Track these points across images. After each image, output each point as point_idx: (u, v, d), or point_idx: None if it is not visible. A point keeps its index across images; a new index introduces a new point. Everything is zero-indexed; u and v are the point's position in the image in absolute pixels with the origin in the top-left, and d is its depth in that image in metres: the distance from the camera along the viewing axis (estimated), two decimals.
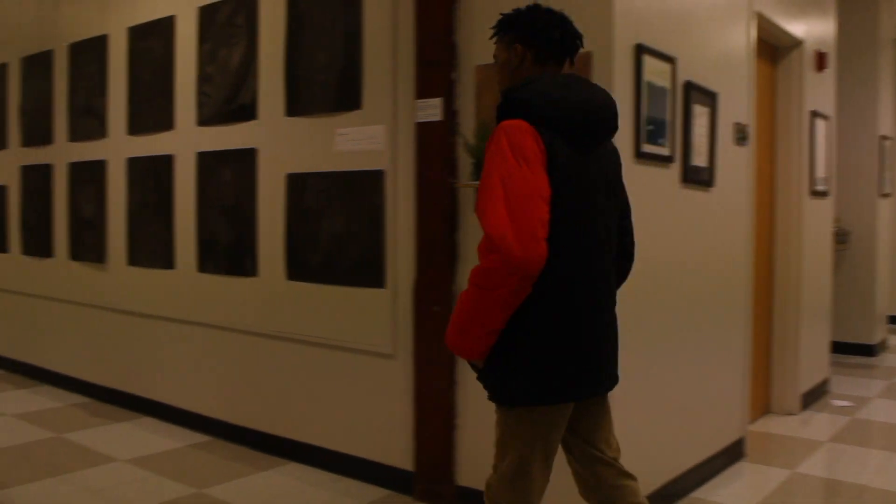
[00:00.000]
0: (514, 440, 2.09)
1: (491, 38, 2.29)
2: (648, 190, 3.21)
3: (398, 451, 3.68)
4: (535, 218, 1.92)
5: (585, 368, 2.08)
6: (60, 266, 5.67)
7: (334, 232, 3.86)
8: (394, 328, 3.66)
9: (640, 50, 3.09)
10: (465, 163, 3.32)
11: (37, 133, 5.87)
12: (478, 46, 3.30)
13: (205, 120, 4.49)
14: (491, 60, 3.15)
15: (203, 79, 4.50)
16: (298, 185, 4.00)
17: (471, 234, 3.35)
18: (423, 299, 3.48)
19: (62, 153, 5.62)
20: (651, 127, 3.18)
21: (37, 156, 5.88)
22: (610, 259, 2.17)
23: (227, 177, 4.36)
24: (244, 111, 4.26)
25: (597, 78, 2.94)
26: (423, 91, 3.43)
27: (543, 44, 2.15)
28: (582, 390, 2.10)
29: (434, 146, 3.40)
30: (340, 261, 3.84)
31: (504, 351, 2.04)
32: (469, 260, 3.34)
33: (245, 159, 4.25)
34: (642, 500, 2.25)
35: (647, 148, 3.16)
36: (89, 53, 5.34)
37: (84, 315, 5.51)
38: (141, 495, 3.67)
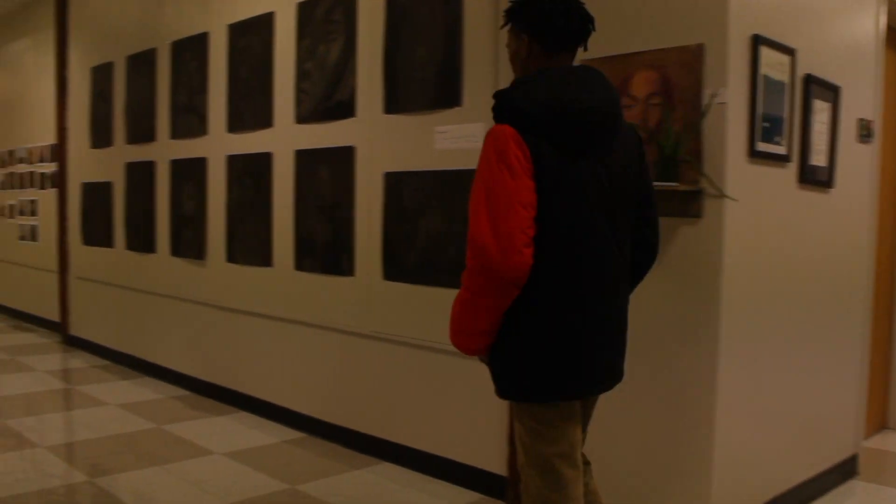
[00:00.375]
0: (527, 437, 2.17)
1: (501, 27, 2.28)
2: (762, 191, 3.11)
3: (492, 455, 3.67)
4: (514, 226, 1.95)
5: (589, 365, 2.13)
6: (162, 262, 5.89)
7: (432, 232, 3.88)
8: None
9: (757, 41, 2.98)
10: None
11: (140, 130, 6.11)
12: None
13: (303, 117, 4.57)
14: (603, 53, 3.14)
15: (301, 75, 4.59)
16: (396, 183, 4.03)
17: None
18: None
19: (164, 150, 5.83)
20: (767, 124, 3.07)
21: (140, 153, 6.12)
22: (616, 257, 2.17)
23: (325, 175, 4.43)
24: (342, 108, 4.32)
25: (710, 71, 2.86)
26: None
27: (550, 33, 2.13)
28: (589, 387, 2.16)
29: None
30: (438, 261, 3.86)
31: (509, 349, 2.11)
32: None
33: (343, 157, 4.31)
34: (594, 485, 2.35)
35: (762, 146, 3.05)
36: (190, 51, 5.52)
37: (185, 310, 5.71)
38: (236, 489, 3.77)
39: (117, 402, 5.31)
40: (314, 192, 4.51)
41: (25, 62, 8.58)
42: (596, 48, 3.17)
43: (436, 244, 3.87)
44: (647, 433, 3.08)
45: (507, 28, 2.23)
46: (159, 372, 6.01)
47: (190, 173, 5.54)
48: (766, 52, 3.03)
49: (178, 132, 5.69)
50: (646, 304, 3.03)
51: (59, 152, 7.44)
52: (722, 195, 2.86)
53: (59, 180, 7.45)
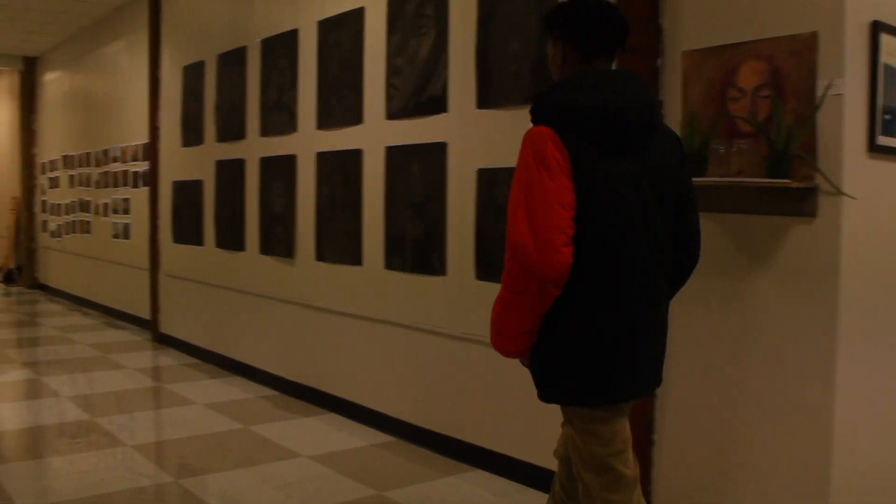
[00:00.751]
0: (580, 439, 2.25)
1: (542, 33, 2.36)
2: (884, 187, 2.99)
3: None
4: (552, 226, 2.04)
5: (629, 367, 2.20)
6: (251, 260, 6.04)
7: None
8: None
9: (877, 28, 2.87)
10: None
11: (230, 128, 6.28)
12: (685, 30, 3.20)
13: (393, 113, 4.62)
14: (708, 43, 3.07)
15: (392, 71, 4.63)
16: (490, 180, 4.04)
17: None
18: None
19: (254, 148, 5.98)
20: (888, 116, 2.95)
21: (230, 151, 6.29)
22: (655, 259, 2.23)
23: (416, 172, 4.46)
24: (434, 104, 4.35)
25: (824, 61, 2.77)
26: None
27: (582, 39, 2.24)
28: (632, 389, 2.23)
29: None
30: None
31: (550, 351, 2.18)
32: None
33: (434, 154, 4.34)
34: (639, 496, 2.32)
35: (884, 140, 2.93)
36: (280, 48, 5.64)
37: (273, 309, 5.84)
38: (322, 493, 3.84)
39: (205, 402, 5.47)
40: (405, 190, 4.55)
41: (120, 63, 8.93)
42: (700, 38, 3.11)
43: None
44: (760, 437, 3.00)
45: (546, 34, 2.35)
46: (247, 371, 6.16)
47: (279, 171, 5.66)
48: (886, 40, 2.91)
49: (267, 130, 5.83)
50: (758, 306, 2.95)
51: (150, 151, 7.72)
52: (839, 192, 2.76)
53: (150, 179, 7.73)
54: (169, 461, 4.36)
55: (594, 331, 2.14)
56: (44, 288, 11.92)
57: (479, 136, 4.11)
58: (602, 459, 2.21)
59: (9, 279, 12.82)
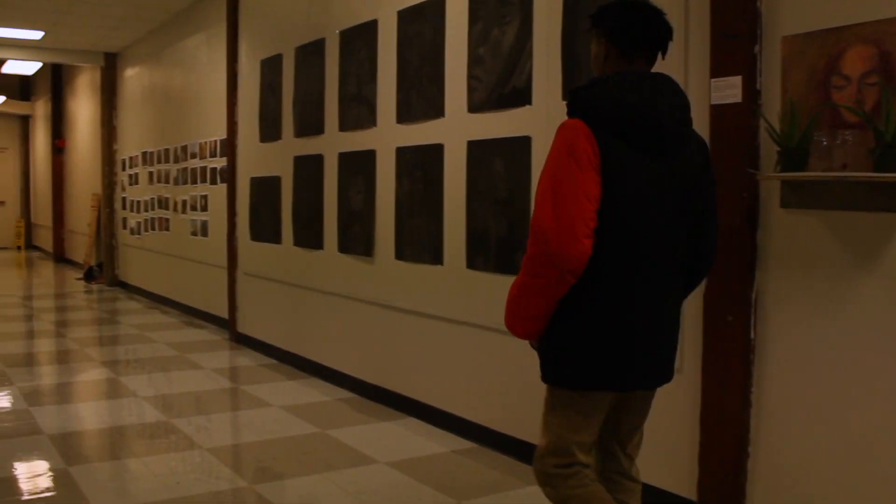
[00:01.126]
0: (554, 419, 2.47)
1: (586, 30, 2.57)
2: None
3: (679, 477, 3.58)
4: (576, 215, 2.20)
5: (630, 361, 2.38)
6: (329, 259, 6.14)
7: None
8: (680, 339, 3.56)
9: None
10: (768, 150, 3.16)
11: (309, 123, 6.40)
12: (785, 14, 3.12)
13: (476, 106, 4.64)
14: (810, 27, 3.00)
15: (474, 62, 4.65)
16: None
17: (775, 233, 3.17)
18: (716, 306, 3.36)
19: (332, 143, 6.08)
20: None
21: (308, 146, 6.41)
22: (671, 260, 2.40)
23: (499, 167, 4.47)
24: (517, 96, 4.35)
25: None
26: (719, 68, 3.31)
27: (626, 39, 2.40)
28: (625, 382, 2.42)
29: (732, 131, 3.26)
30: None
31: (555, 335, 2.39)
32: (772, 263, 3.17)
33: (518, 148, 4.34)
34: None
35: None
36: (359, 40, 5.72)
37: (352, 309, 5.93)
38: (399, 502, 3.89)
39: (282, 404, 5.58)
40: (487, 186, 4.56)
41: (199, 58, 9.18)
42: (801, 22, 3.04)
43: None
44: (865, 450, 2.92)
45: (590, 31, 2.52)
46: (325, 373, 6.27)
47: (358, 166, 5.74)
48: None
49: (346, 124, 5.92)
50: (864, 310, 2.87)
51: (228, 147, 7.92)
52: None
53: (228, 175, 7.93)
54: (245, 465, 4.47)
55: (604, 321, 2.33)
56: (123, 285, 12.35)
57: None
58: (568, 446, 2.43)
59: (89, 276, 13.31)
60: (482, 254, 4.61)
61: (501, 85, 4.47)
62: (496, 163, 4.51)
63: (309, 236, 6.44)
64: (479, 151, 4.63)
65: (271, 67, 7.05)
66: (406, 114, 5.26)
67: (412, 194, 5.20)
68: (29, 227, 20.38)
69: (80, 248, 14.98)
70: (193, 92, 9.37)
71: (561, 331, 2.38)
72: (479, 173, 4.63)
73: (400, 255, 5.34)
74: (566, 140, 2.26)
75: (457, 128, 4.80)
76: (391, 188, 5.40)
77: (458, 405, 4.88)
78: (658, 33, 2.42)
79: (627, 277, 2.32)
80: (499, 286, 4.50)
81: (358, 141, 5.78)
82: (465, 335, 4.80)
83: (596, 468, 2.62)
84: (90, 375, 6.52)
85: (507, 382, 4.51)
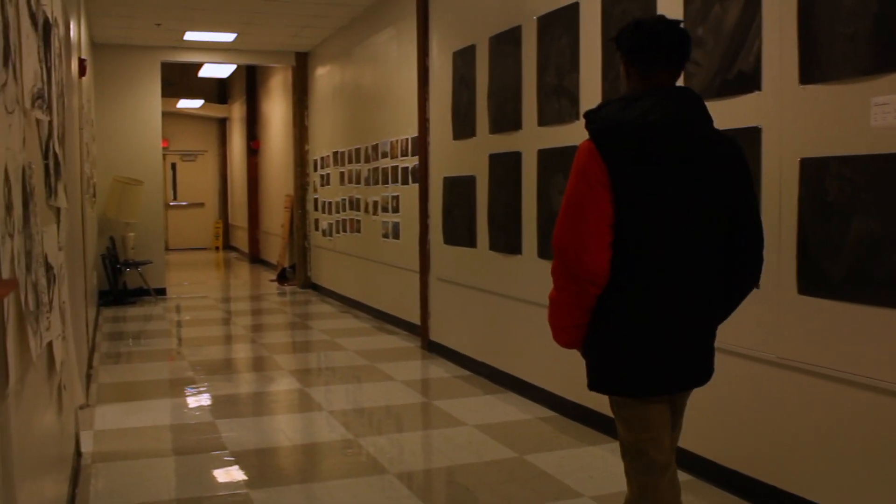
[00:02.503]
0: (619, 424, 2.73)
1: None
2: None
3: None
4: (588, 232, 2.49)
5: (660, 367, 2.59)
6: (528, 264, 5.88)
7: (866, 235, 3.36)
8: None
9: None
10: None
11: (505, 118, 6.17)
12: None
13: None
14: None
15: (693, 43, 4.25)
16: (817, 172, 3.58)
17: None
18: None
19: (531, 139, 5.82)
20: None
21: (505, 143, 6.18)
22: (695, 267, 2.59)
23: None
24: (744, 81, 3.94)
25: None
26: None
27: (642, 58, 2.60)
28: (665, 385, 2.63)
29: None
30: (875, 274, 3.33)
31: (595, 345, 2.66)
32: None
33: (745, 140, 3.90)
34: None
35: None
36: (559, 25, 5.43)
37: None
38: None
39: (476, 422, 5.38)
40: None
41: (389, 53, 9.18)
42: None
43: (872, 251, 3.35)
44: None
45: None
46: (524, 388, 6.02)
47: (560, 164, 5.46)
48: None
49: (546, 118, 5.65)
50: None
51: (420, 145, 7.83)
52: None
53: (420, 175, 7.84)
54: (436, 495, 4.30)
55: (630, 328, 2.57)
56: (316, 287, 12.63)
57: (804, 118, 3.65)
58: (638, 444, 2.67)
59: (282, 278, 13.73)
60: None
61: (725, 69, 4.06)
62: None
63: (506, 240, 6.20)
64: None
65: (464, 60, 6.88)
66: None
67: None
68: (226, 228, 21.42)
69: (274, 249, 15.51)
70: (384, 89, 9.38)
71: (593, 340, 2.66)
72: None
73: None
74: (578, 161, 2.55)
75: None
76: None
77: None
78: (671, 47, 2.60)
79: (646, 287, 2.55)
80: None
81: (559, 136, 5.50)
82: None
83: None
84: (278, 385, 6.58)
85: (729, 411, 4.09)
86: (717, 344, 4.17)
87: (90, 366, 7.03)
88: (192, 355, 7.85)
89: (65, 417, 3.72)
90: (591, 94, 5.12)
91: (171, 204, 21.14)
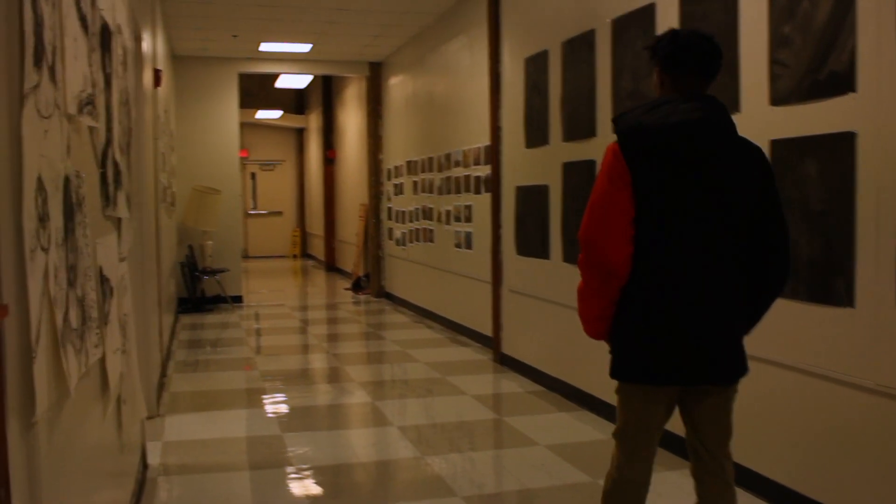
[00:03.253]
0: (619, 408, 2.87)
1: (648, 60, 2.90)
2: None
3: None
4: (610, 227, 2.64)
5: (670, 359, 2.69)
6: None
7: None
8: None
9: None
10: None
11: (578, 125, 5.92)
12: None
13: (780, 97, 3.96)
14: None
15: (778, 43, 3.97)
16: None
17: None
18: None
19: (605, 146, 5.55)
20: None
21: (578, 151, 5.93)
22: (710, 263, 2.68)
23: (811, 171, 3.77)
24: (836, 82, 3.63)
25: None
26: None
27: (675, 68, 2.74)
28: (662, 377, 2.73)
29: None
30: None
31: (613, 334, 2.80)
32: None
33: (838, 147, 3.62)
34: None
35: None
36: (635, 28, 5.18)
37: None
38: None
39: (549, 442, 5.12)
40: (797, 195, 3.84)
41: (461, 61, 8.99)
42: None
43: None
44: None
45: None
46: (599, 406, 5.75)
47: None
48: None
49: None
50: None
51: (492, 154, 7.61)
52: None
53: (492, 184, 7.62)
54: None
55: (640, 319, 2.71)
56: (389, 297, 12.49)
57: None
58: (626, 429, 2.83)
59: (357, 287, 13.63)
60: (791, 277, 3.89)
61: (815, 70, 3.75)
62: (808, 166, 3.79)
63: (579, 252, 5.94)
64: (784, 152, 3.92)
65: (536, 66, 6.65)
66: None
67: None
68: (304, 237, 21.50)
69: (349, 257, 15.45)
70: (456, 97, 9.19)
71: (615, 330, 2.79)
72: (786, 179, 3.90)
73: None
74: (605, 161, 2.71)
75: (756, 124, 4.10)
76: None
77: (762, 462, 4.19)
78: (703, 58, 2.73)
79: (658, 281, 2.68)
80: (809, 317, 3.78)
81: None
82: (764, 375, 4.09)
83: (692, 468, 2.93)
84: (347, 398, 6.42)
85: (821, 439, 3.77)
86: (804, 365, 3.91)
87: (164, 374, 6.97)
88: (265, 364, 7.76)
89: (126, 431, 3.59)
90: None
91: (251, 212, 21.33)
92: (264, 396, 6.44)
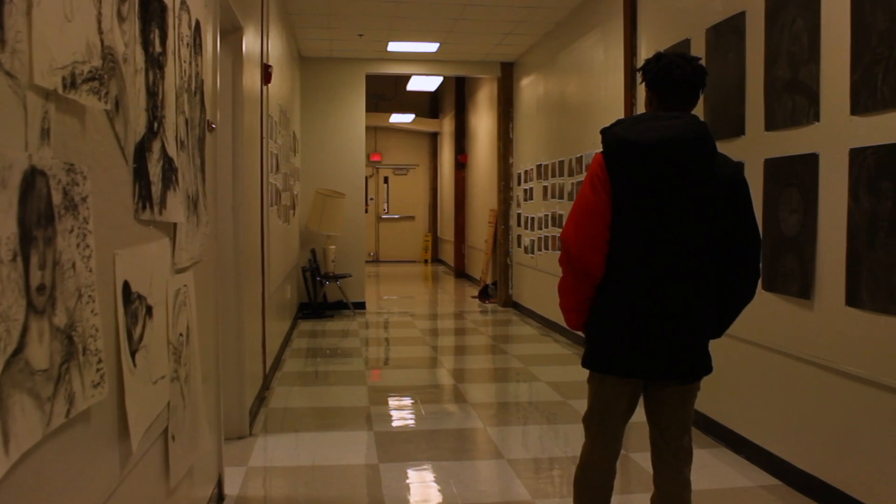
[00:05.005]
0: (588, 396, 3.10)
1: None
2: None
3: None
4: (587, 229, 2.89)
5: (634, 355, 2.90)
6: (756, 299, 4.76)
7: None
8: None
9: None
10: None
11: (724, 122, 5.09)
12: None
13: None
14: None
15: None
16: None
17: None
18: None
19: (756, 146, 4.73)
20: None
21: (725, 150, 5.05)
22: (679, 269, 2.86)
23: None
24: None
25: None
26: None
27: (660, 88, 2.99)
28: (626, 370, 2.95)
29: None
30: None
31: (586, 327, 3.05)
32: None
33: None
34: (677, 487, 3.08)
35: None
36: (793, 6, 4.33)
37: (780, 366, 4.53)
38: None
39: (696, 487, 4.29)
40: None
41: (594, 58, 8.23)
42: None
43: None
44: None
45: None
46: (741, 444, 4.90)
47: (792, 176, 4.36)
48: None
49: (775, 120, 4.55)
50: None
51: None
52: None
53: None
54: None
55: (606, 317, 2.94)
56: (517, 306, 11.79)
57: None
58: (591, 417, 3.06)
59: (484, 295, 12.98)
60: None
61: None
62: None
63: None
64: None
65: None
66: (867, 101, 3.76)
67: (874, 214, 3.70)
68: (435, 242, 21.02)
69: (478, 264, 14.83)
70: (589, 97, 8.42)
71: (589, 323, 3.02)
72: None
73: (853, 299, 3.85)
74: (590, 169, 2.95)
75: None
76: (841, 206, 3.94)
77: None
78: (685, 80, 2.95)
79: (626, 281, 2.88)
80: None
81: (792, 142, 4.38)
82: None
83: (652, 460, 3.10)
84: (456, 422, 5.77)
85: None
86: (863, 375, 3.16)
87: (266, 387, 6.49)
88: (374, 379, 7.19)
89: (175, 472, 3.03)
90: (835, 88, 3.98)
91: (384, 217, 21.01)
92: (367, 416, 5.85)
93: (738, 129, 4.91)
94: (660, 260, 2.84)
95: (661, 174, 2.82)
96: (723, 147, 5.05)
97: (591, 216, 2.86)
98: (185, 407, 3.16)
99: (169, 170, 2.92)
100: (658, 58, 3.00)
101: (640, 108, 6.54)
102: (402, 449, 5.11)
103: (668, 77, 2.94)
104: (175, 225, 3.05)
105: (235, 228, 5.21)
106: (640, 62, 6.67)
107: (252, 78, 5.90)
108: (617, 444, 3.04)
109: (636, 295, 2.86)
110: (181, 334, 3.13)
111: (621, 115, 6.96)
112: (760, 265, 3.00)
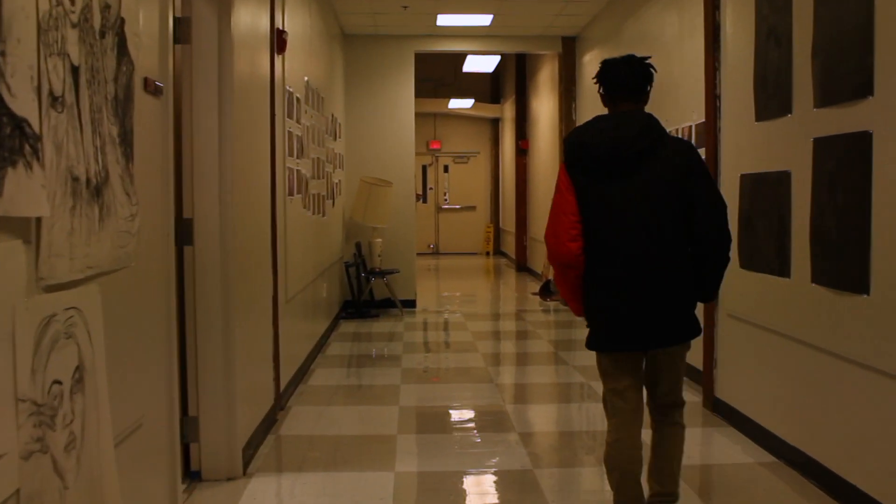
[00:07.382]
0: (600, 378, 3.40)
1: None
2: None
3: None
4: (560, 227, 3.24)
5: (622, 329, 3.24)
6: (880, 310, 3.54)
7: None
8: None
9: None
10: None
11: (841, 81, 3.88)
12: None
13: None
14: None
15: None
16: None
17: None
18: None
19: (889, 110, 3.48)
20: None
21: (841, 119, 3.87)
22: (647, 249, 3.18)
23: None
24: None
25: None
26: None
27: (610, 89, 3.36)
28: (622, 344, 3.27)
29: None
30: None
31: (584, 313, 3.38)
32: None
33: None
34: (675, 450, 3.40)
35: None
36: None
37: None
38: None
39: (699, 462, 3.24)
40: None
41: (665, 22, 7.05)
42: None
43: None
44: None
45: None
46: (859, 500, 3.68)
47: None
48: None
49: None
50: None
51: (707, 132, 5.59)
52: None
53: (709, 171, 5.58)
54: None
55: (595, 300, 3.27)
56: None
57: None
58: (606, 393, 3.35)
59: (545, 292, 11.76)
60: None
61: None
62: None
63: (841, 270, 3.86)
64: None
65: (772, 4, 4.60)
66: None
67: None
68: (497, 233, 19.87)
69: (540, 257, 13.65)
70: (662, 68, 7.17)
71: (584, 310, 3.34)
72: None
73: None
74: (559, 174, 3.32)
75: None
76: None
77: None
78: (632, 80, 3.31)
79: (604, 266, 3.21)
80: None
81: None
82: None
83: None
84: (500, 456, 4.68)
85: None
86: None
87: (281, 408, 5.46)
88: (407, 398, 6.06)
89: None
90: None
91: (444, 207, 19.95)
92: (389, 447, 4.76)
93: (862, 90, 3.66)
94: (632, 242, 3.18)
95: (610, 168, 3.20)
96: (842, 114, 3.84)
97: (560, 215, 3.24)
98: (65, 488, 2.12)
99: (15, 135, 1.87)
100: (604, 63, 3.38)
101: (728, 72, 5.30)
102: (426, 495, 4.05)
103: (616, 80, 3.32)
104: (35, 220, 2.00)
105: (223, 223, 4.18)
106: (725, 14, 5.46)
107: (254, 43, 4.86)
108: (637, 418, 3.28)
109: (617, 277, 3.19)
110: (57, 382, 2.08)
111: (700, 85, 5.77)
112: (729, 227, 3.29)
